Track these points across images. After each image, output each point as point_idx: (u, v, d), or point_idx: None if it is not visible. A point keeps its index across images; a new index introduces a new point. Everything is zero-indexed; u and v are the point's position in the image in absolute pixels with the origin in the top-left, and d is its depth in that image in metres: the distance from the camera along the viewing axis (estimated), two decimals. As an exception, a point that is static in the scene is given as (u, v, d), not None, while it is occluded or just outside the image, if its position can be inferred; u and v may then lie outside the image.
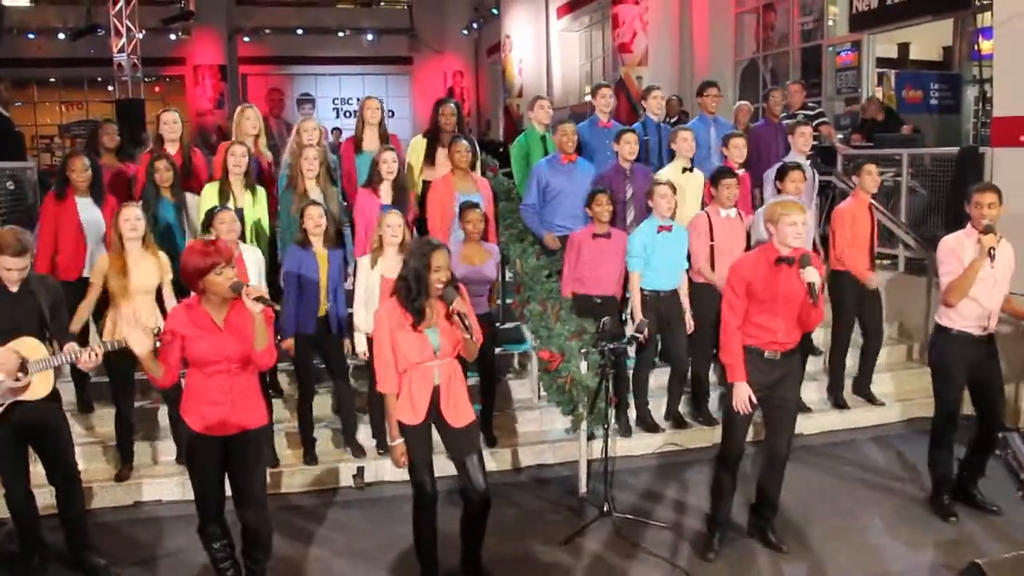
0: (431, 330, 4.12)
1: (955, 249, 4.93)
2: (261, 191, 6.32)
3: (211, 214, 5.53)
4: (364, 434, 6.11)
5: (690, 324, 6.28)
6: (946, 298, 4.91)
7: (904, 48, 12.35)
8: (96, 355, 4.19)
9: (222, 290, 3.82)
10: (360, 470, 5.84)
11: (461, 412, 4.22)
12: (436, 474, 4.29)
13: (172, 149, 6.58)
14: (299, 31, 25.37)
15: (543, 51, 19.91)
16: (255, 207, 6.20)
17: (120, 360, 5.26)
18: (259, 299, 3.79)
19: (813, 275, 4.30)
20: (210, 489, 4.07)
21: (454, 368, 4.23)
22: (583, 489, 5.65)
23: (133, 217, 5.34)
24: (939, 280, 5.01)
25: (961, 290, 4.85)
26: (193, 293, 3.97)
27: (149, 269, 5.40)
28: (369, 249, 5.73)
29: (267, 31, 25.37)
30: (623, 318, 6.28)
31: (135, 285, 5.33)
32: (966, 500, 5.32)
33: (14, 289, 4.26)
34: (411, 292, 4.06)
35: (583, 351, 5.60)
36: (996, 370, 5.20)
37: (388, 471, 5.87)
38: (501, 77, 22.45)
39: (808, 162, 7.04)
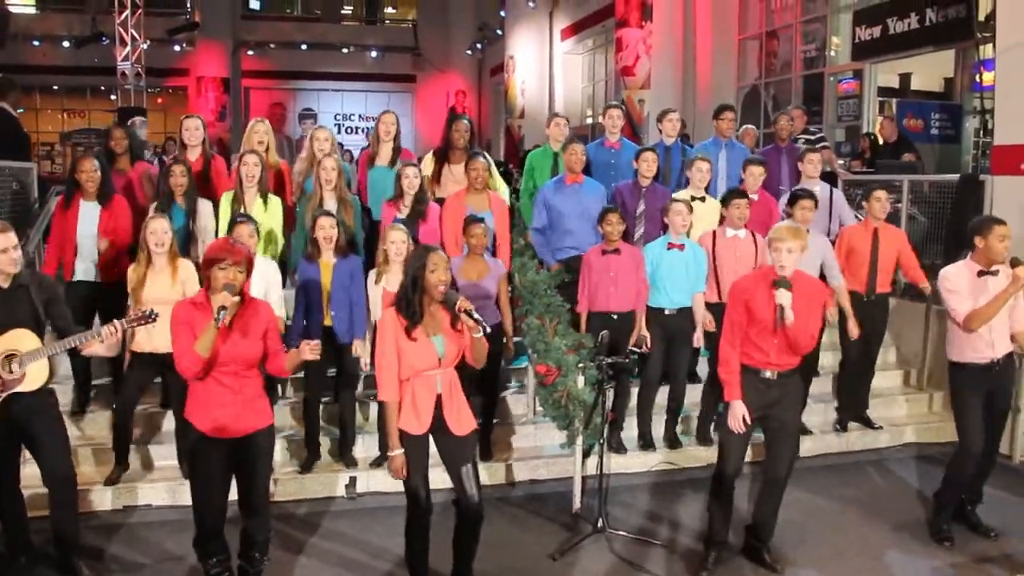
0: (436, 338, 4.08)
1: (970, 282, 4.94)
2: (275, 200, 6.31)
3: (232, 223, 5.56)
4: (359, 446, 6.09)
5: (698, 339, 6.23)
6: (968, 325, 4.88)
7: (906, 78, 12.45)
8: (115, 331, 4.21)
9: (219, 286, 3.85)
10: (352, 480, 5.81)
11: (463, 420, 4.18)
12: (432, 486, 4.25)
13: (193, 155, 6.61)
14: (303, 46, 25.54)
15: (546, 73, 20.04)
16: (267, 215, 6.19)
17: (144, 359, 5.32)
18: (220, 308, 3.78)
19: (783, 297, 4.31)
20: (213, 494, 4.01)
21: (454, 376, 4.19)
22: (577, 505, 5.60)
23: (160, 230, 5.33)
24: (951, 310, 4.96)
25: (984, 318, 4.83)
26: (199, 291, 4.01)
27: (165, 280, 5.37)
28: (376, 264, 5.74)
29: (271, 45, 25.51)
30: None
31: (147, 297, 5.30)
32: (964, 524, 5.30)
33: (6, 285, 4.26)
34: (407, 294, 4.02)
35: (580, 365, 5.58)
36: (1008, 392, 5.21)
37: (380, 482, 5.84)
38: (503, 97, 22.57)
39: (827, 186, 7.08)
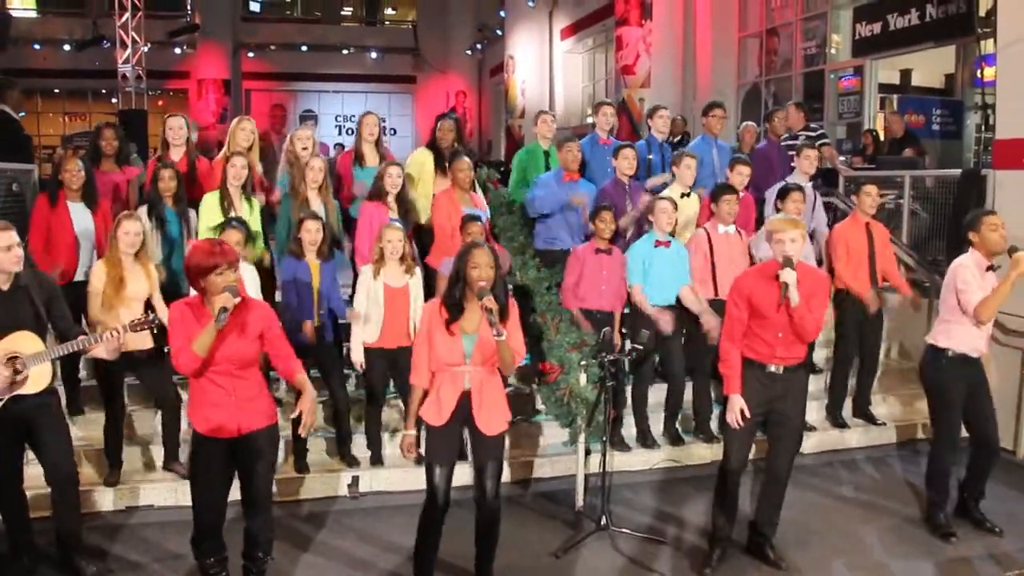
0: (467, 336, 4.11)
1: (976, 272, 4.95)
2: (256, 202, 6.33)
3: (223, 227, 5.55)
4: (359, 444, 6.07)
5: (709, 325, 6.05)
6: (979, 316, 4.88)
7: (906, 74, 12.43)
8: (118, 335, 4.24)
9: (218, 290, 3.83)
10: (355, 479, 5.80)
11: (493, 420, 4.20)
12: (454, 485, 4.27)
13: (177, 155, 6.55)
14: (303, 48, 25.55)
15: (546, 72, 20.03)
16: (251, 217, 6.20)
17: (111, 362, 5.26)
18: (223, 309, 3.77)
19: (788, 276, 4.33)
20: (211, 494, 4.02)
21: (489, 376, 4.20)
22: (580, 503, 5.59)
23: (133, 232, 5.31)
24: (966, 302, 4.93)
25: (992, 307, 4.85)
26: (194, 292, 3.97)
27: (141, 278, 5.38)
28: (371, 260, 5.75)
29: (272, 47, 25.53)
30: (623, 332, 6.25)
31: (129, 294, 5.31)
32: (968, 521, 5.28)
33: (6, 286, 4.24)
34: (452, 287, 4.10)
35: (583, 363, 5.57)
36: (987, 390, 5.20)
37: (384, 481, 5.84)
38: (504, 97, 22.57)
39: (810, 184, 7.07)
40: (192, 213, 6.21)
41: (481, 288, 3.99)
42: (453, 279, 4.11)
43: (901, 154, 9.28)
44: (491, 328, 3.96)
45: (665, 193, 6.72)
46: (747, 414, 4.54)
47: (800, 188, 6.47)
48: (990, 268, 4.97)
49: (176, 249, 6.08)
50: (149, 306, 5.37)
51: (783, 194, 6.42)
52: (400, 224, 5.83)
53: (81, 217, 5.95)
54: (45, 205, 5.94)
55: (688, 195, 6.81)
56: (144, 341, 5.29)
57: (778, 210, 6.42)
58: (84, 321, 5.64)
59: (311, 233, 5.65)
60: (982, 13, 9.05)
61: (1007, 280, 4.79)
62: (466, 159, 6.43)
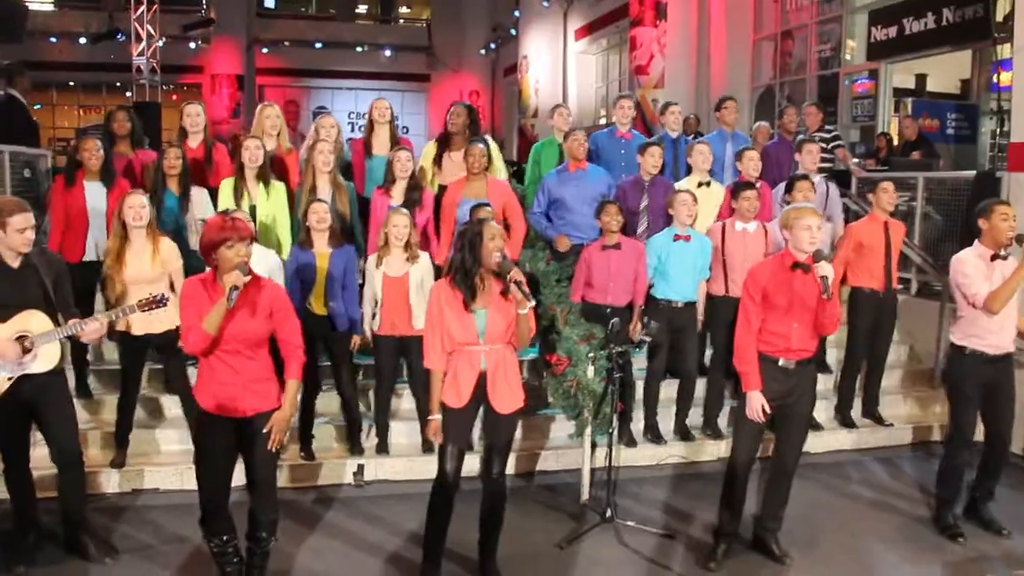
0: (479, 312, 4.07)
1: (980, 266, 4.91)
2: (278, 186, 6.21)
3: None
4: (365, 433, 6.06)
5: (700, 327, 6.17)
6: (990, 307, 4.81)
7: (921, 79, 12.38)
8: (101, 324, 4.22)
9: (230, 265, 3.80)
10: (360, 468, 5.80)
11: (508, 399, 4.19)
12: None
13: (194, 142, 6.57)
14: (317, 44, 25.63)
15: (560, 73, 20.03)
16: (269, 202, 6.14)
17: (132, 343, 5.34)
18: (233, 288, 3.74)
19: (827, 269, 4.28)
20: (215, 472, 3.98)
21: (504, 354, 4.17)
22: (585, 496, 5.57)
23: (138, 204, 5.26)
24: (971, 295, 4.88)
25: (1004, 298, 4.78)
26: (208, 269, 3.96)
27: (146, 259, 5.28)
28: (376, 248, 5.74)
29: (286, 43, 25.60)
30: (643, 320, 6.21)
31: (128, 275, 5.25)
32: (976, 522, 5.24)
33: (15, 264, 4.24)
34: (465, 265, 4.03)
35: (591, 355, 5.55)
36: (1009, 391, 5.13)
37: (389, 469, 5.84)
38: (517, 97, 22.57)
39: (819, 177, 7.03)
40: (196, 198, 6.17)
41: (499, 263, 3.95)
42: (467, 254, 4.02)
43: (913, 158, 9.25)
44: (521, 300, 3.92)
45: (683, 184, 6.70)
46: (767, 410, 4.50)
47: (806, 177, 6.46)
48: (996, 257, 4.90)
49: (173, 231, 6.07)
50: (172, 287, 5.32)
51: (790, 185, 6.40)
52: (405, 210, 5.80)
53: (96, 196, 5.97)
54: (60, 186, 5.97)
55: (708, 184, 6.78)
56: (171, 321, 5.17)
57: (787, 203, 6.39)
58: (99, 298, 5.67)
59: (318, 215, 5.60)
60: (999, 18, 9.00)
61: (1020, 268, 4.74)
62: (479, 145, 6.34)
